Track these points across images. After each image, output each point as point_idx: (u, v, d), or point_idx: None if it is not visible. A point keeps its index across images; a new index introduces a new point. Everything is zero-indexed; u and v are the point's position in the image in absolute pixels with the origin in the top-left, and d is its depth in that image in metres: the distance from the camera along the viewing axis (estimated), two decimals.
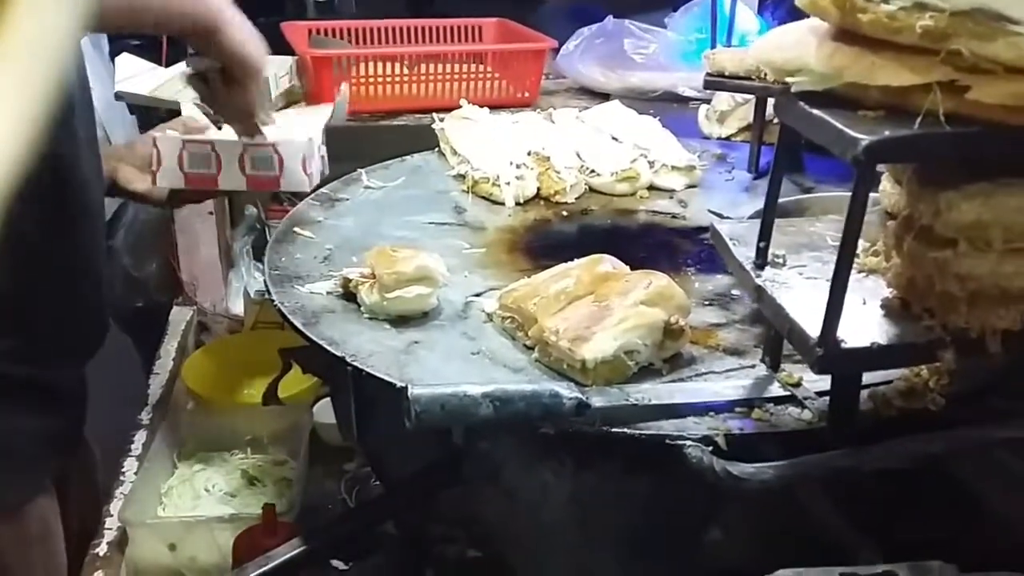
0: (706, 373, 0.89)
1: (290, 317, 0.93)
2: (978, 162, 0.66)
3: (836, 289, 0.64)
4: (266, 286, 1.00)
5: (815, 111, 0.66)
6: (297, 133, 1.22)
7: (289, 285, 1.00)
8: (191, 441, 1.39)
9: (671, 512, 0.94)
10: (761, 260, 0.78)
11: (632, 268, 1.00)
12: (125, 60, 1.55)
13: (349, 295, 0.98)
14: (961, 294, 0.66)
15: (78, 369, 1.10)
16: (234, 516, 1.20)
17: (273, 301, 0.97)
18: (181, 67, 1.63)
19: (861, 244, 0.80)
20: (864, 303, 0.72)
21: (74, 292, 1.03)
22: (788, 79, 0.69)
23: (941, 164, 0.68)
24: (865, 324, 0.70)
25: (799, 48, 0.68)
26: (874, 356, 0.67)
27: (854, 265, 0.78)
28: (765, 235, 0.77)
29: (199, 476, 1.35)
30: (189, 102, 1.21)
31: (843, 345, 0.66)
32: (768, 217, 0.77)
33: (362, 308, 0.96)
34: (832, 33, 0.68)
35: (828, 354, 0.66)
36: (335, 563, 1.24)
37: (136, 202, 1.37)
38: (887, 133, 0.60)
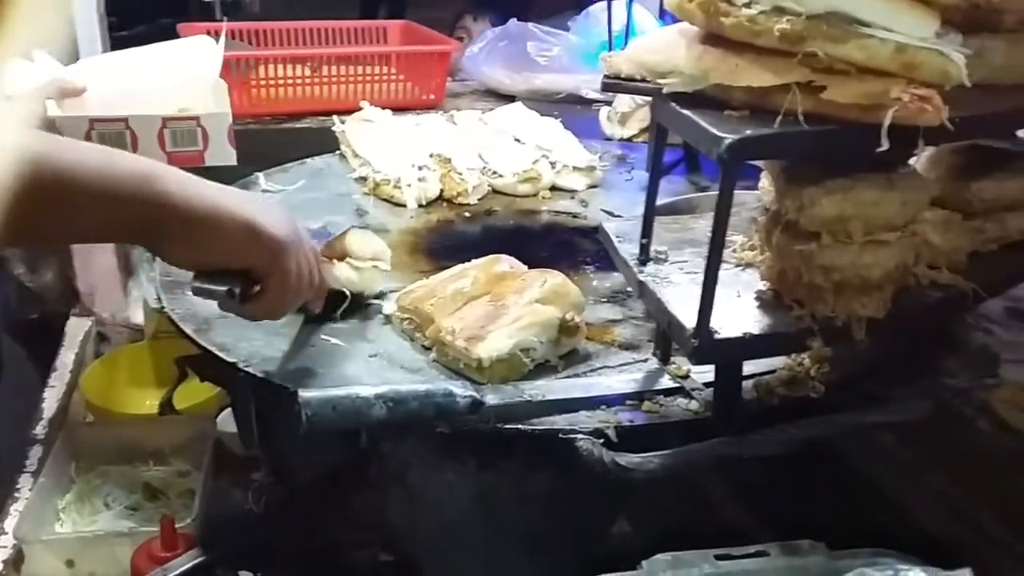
0: (600, 368, 0.91)
1: (181, 324, 0.91)
2: (837, 158, 0.69)
3: (708, 282, 0.67)
4: (157, 293, 0.98)
5: (685, 111, 0.68)
6: (211, 101, 1.12)
7: (180, 292, 0.97)
8: (90, 455, 1.35)
9: (572, 506, 0.96)
10: (644, 256, 0.80)
11: (532, 267, 1.02)
12: None
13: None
14: (826, 285, 0.69)
15: None
16: (133, 530, 1.17)
17: (163, 308, 0.95)
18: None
19: (739, 239, 0.83)
20: (739, 295, 0.75)
21: None
22: (660, 81, 0.71)
23: (805, 161, 0.71)
24: (739, 315, 0.72)
25: (670, 51, 0.71)
26: (746, 346, 0.70)
27: (732, 259, 0.81)
28: (647, 232, 0.80)
29: (98, 491, 1.31)
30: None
31: (716, 336, 0.69)
32: (648, 214, 0.79)
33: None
34: (700, 36, 0.70)
35: (702, 345, 0.68)
36: (244, 573, 1.22)
37: None
38: (748, 132, 0.63)
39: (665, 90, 0.71)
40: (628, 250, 0.82)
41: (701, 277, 0.71)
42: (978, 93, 0.76)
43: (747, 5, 0.66)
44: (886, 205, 0.69)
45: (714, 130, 0.63)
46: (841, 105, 0.64)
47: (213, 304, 0.97)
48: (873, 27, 0.65)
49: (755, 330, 0.71)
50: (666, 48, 0.71)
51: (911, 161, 0.76)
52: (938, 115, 0.64)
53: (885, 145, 0.63)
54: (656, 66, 0.71)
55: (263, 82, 1.66)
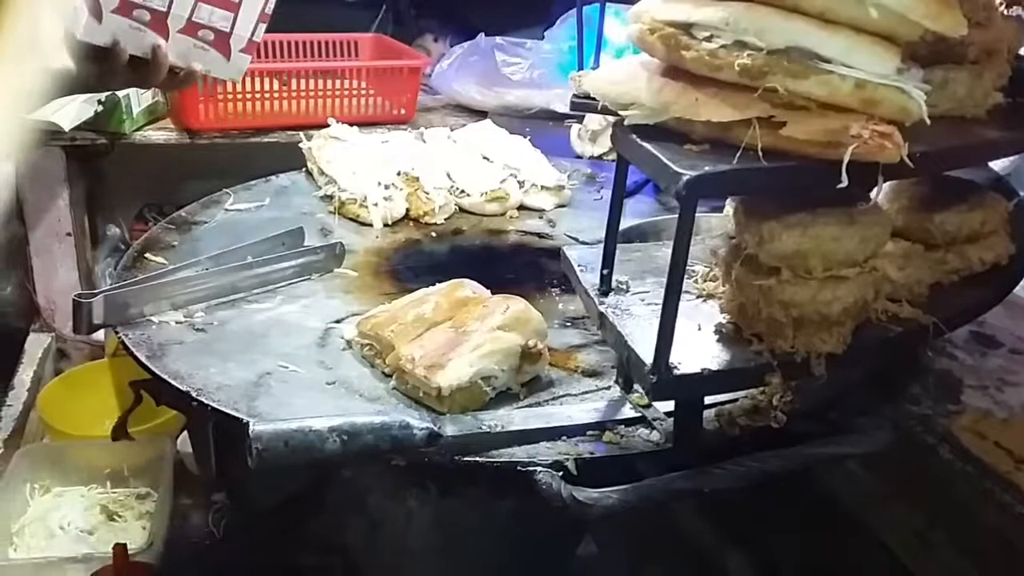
0: (563, 396, 0.90)
1: (133, 350, 0.89)
2: (797, 194, 0.69)
3: (666, 318, 0.66)
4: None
5: (645, 144, 0.67)
6: None
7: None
8: (46, 476, 1.32)
9: (533, 533, 0.95)
10: (605, 287, 0.79)
11: (499, 289, 1.01)
12: None
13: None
14: (786, 320, 0.69)
15: None
16: (88, 556, 1.15)
17: (117, 332, 0.93)
18: None
19: (701, 268, 0.82)
20: (700, 328, 0.74)
21: None
22: (621, 112, 0.70)
23: (764, 195, 0.70)
24: (699, 350, 0.71)
25: (631, 82, 0.70)
26: (705, 382, 0.69)
27: (694, 289, 0.81)
28: (608, 262, 0.79)
29: (54, 514, 1.29)
30: None
31: (675, 372, 0.68)
32: (610, 244, 0.78)
33: None
34: (661, 69, 0.69)
35: (661, 381, 0.67)
36: None
37: None
38: (707, 168, 0.62)
39: (626, 122, 0.70)
40: (589, 280, 0.81)
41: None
42: (941, 126, 0.76)
43: (708, 39, 0.65)
44: (846, 241, 0.68)
45: (673, 166, 0.62)
46: (801, 141, 0.63)
47: (168, 329, 0.95)
48: (833, 63, 0.64)
49: (714, 366, 0.70)
50: (627, 79, 0.71)
51: (872, 194, 0.76)
52: (898, 152, 0.63)
53: (844, 182, 0.63)
54: (617, 97, 0.70)
55: (231, 96, 1.64)
